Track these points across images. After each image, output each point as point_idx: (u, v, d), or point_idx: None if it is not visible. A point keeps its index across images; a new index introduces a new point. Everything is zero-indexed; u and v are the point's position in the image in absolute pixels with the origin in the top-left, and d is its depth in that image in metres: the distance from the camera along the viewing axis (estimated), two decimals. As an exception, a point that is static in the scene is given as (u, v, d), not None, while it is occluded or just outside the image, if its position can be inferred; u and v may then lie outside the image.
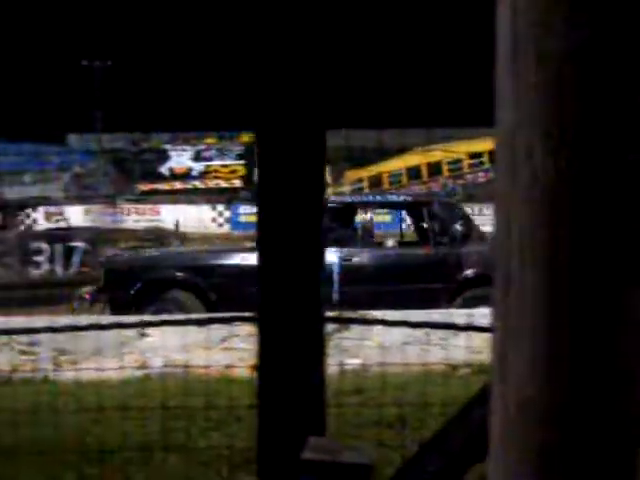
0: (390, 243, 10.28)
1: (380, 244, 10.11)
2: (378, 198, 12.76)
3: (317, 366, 2.12)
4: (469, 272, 9.01)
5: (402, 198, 11.40)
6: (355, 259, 9.26)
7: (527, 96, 1.04)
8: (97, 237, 13.65)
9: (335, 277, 8.81)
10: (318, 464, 1.57)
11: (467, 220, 9.86)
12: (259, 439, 2.09)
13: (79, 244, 12.83)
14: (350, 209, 10.25)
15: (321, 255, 2.07)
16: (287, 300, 2.09)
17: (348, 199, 12.77)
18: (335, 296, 8.66)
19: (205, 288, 9.03)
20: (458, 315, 6.54)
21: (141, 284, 9.05)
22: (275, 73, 1.99)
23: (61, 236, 13.93)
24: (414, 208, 10.16)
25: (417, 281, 8.87)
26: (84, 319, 7.21)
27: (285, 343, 2.10)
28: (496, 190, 1.12)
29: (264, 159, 2.02)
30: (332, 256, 8.54)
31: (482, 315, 5.66)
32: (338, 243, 9.18)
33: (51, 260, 12.65)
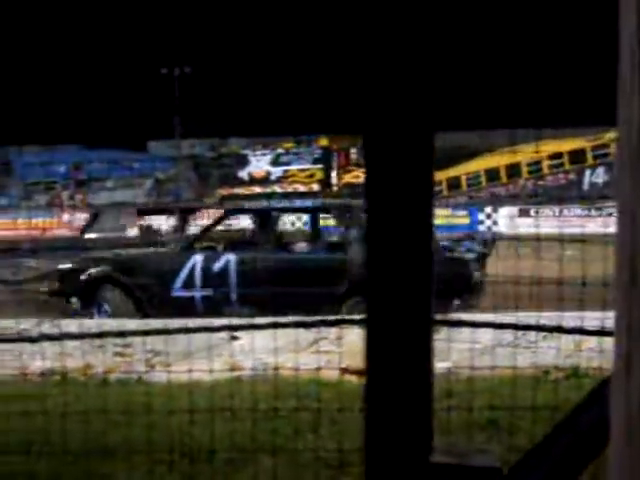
0: (298, 247, 10.64)
1: (283, 248, 10.54)
2: (287, 204, 13.20)
3: (426, 369, 2.14)
4: (358, 276, 9.13)
5: (306, 204, 12.11)
6: (252, 262, 9.94)
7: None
8: None
9: (233, 278, 9.80)
10: (448, 467, 1.58)
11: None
12: (367, 442, 2.11)
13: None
14: (262, 214, 11.02)
15: (430, 258, 2.08)
16: (396, 303, 2.11)
17: (257, 205, 13.49)
18: (233, 296, 9.77)
19: (132, 286, 10.24)
20: (560, 319, 6.43)
21: (82, 282, 10.38)
22: (384, 75, 2.02)
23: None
24: (315, 213, 11.02)
25: (309, 284, 9.41)
26: (179, 322, 7.36)
27: (394, 346, 2.12)
28: (618, 189, 1.12)
29: (372, 163, 2.05)
30: (231, 258, 9.80)
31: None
32: (239, 246, 10.42)
33: None
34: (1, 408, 5.19)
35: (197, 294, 9.97)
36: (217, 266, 9.99)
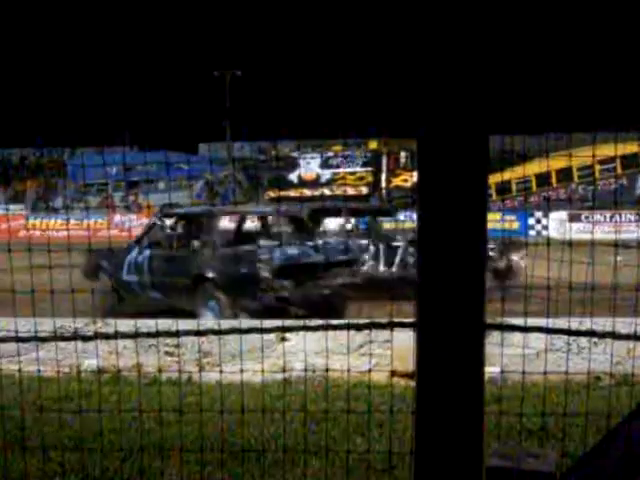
0: (193, 245, 12.92)
1: (171, 246, 13.09)
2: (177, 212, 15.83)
3: (477, 373, 2.14)
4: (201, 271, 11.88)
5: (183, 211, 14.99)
6: (156, 257, 12.84)
7: None
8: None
9: (145, 269, 12.72)
10: (503, 471, 1.58)
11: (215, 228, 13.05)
12: (416, 445, 2.12)
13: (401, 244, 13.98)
14: (182, 218, 13.89)
15: (484, 262, 2.08)
16: (448, 306, 2.11)
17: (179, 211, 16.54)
18: (147, 282, 12.66)
19: (109, 272, 13.47)
20: (612, 324, 6.36)
21: (89, 268, 13.33)
22: (439, 79, 2.03)
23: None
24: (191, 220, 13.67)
25: (174, 276, 12.21)
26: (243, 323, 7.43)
27: (445, 350, 2.12)
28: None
29: (425, 167, 2.06)
30: (147, 254, 12.84)
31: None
32: (156, 245, 13.10)
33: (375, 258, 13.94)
34: (55, 405, 5.29)
35: (133, 279, 12.99)
36: (140, 259, 12.94)
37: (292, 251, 11.80)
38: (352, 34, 2.30)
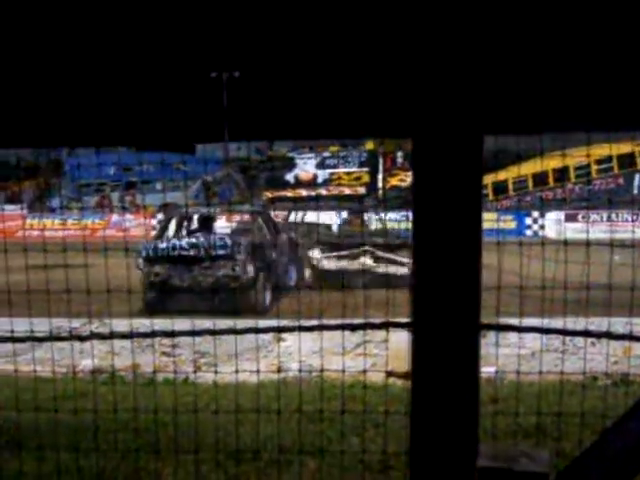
0: None
1: None
2: None
3: (472, 374, 2.13)
4: None
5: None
6: None
7: None
8: None
9: None
10: (495, 471, 1.57)
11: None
12: (412, 446, 2.12)
13: None
14: None
15: (479, 262, 2.08)
16: (443, 307, 2.11)
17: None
18: None
19: None
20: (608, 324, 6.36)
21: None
22: (434, 78, 2.02)
23: None
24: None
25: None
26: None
27: (441, 350, 2.12)
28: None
29: (420, 166, 2.05)
30: None
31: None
32: None
33: None
34: (51, 405, 5.27)
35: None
36: None
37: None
38: (348, 36, 2.29)
